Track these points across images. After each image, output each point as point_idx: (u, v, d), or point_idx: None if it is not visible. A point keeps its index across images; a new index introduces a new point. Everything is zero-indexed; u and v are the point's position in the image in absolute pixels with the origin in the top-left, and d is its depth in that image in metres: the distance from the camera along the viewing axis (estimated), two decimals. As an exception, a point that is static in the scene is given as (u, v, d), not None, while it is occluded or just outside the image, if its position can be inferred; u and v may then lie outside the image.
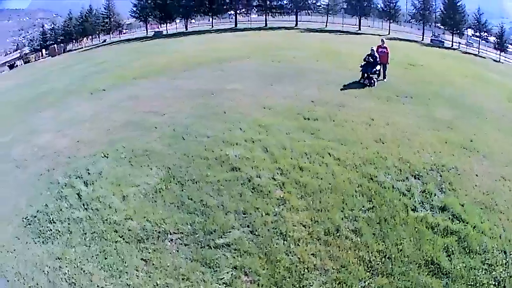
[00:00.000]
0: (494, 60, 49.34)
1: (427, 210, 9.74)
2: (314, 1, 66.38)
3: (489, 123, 15.62)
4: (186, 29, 66.81)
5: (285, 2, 67.43)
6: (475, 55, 50.48)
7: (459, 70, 28.53)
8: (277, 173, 10.94)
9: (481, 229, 9.12)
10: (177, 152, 12.20)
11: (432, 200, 10.08)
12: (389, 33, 58.07)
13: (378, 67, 19.36)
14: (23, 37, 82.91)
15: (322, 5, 65.86)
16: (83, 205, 10.28)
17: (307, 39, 41.73)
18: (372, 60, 19.05)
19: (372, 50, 19.43)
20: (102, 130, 14.57)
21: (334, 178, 10.70)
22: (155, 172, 11.26)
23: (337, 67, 22.79)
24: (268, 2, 66.57)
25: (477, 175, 11.18)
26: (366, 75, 19.01)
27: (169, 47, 38.09)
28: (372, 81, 18.96)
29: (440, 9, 59.19)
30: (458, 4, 56.86)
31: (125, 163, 11.92)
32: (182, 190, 10.41)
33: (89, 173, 11.57)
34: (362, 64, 19.23)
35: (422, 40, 56.45)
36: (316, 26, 60.15)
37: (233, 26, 64.46)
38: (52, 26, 73.28)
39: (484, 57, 49.77)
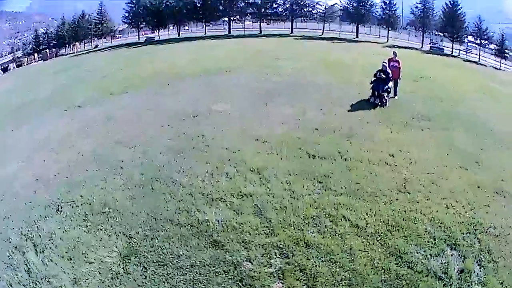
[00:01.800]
0: (495, 68, 48.05)
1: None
2: (310, 9, 64.55)
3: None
4: (179, 35, 65.28)
5: (280, 9, 65.74)
6: (476, 62, 48.95)
7: (467, 82, 26.26)
8: (275, 253, 7.78)
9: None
10: (142, 211, 9.11)
11: (471, 283, 7.34)
12: (387, 41, 56.28)
13: (390, 84, 16.54)
14: (19, 39, 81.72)
15: (318, 13, 64.05)
16: (32, 283, 7.54)
17: (304, 47, 39.47)
18: (384, 76, 16.18)
19: (384, 65, 16.46)
20: (64, 165, 11.77)
21: (353, 260, 7.60)
22: (113, 243, 8.22)
23: (341, 81, 20.06)
24: (262, 10, 64.79)
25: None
26: (377, 93, 16.14)
27: (158, 55, 35.88)
28: (384, 100, 16.14)
29: (440, 16, 57.32)
30: (458, 12, 55.05)
31: (80, 222, 8.95)
32: (145, 278, 7.33)
33: (40, 235, 8.72)
34: (373, 80, 16.38)
35: (422, 47, 54.66)
36: (312, 34, 58.35)
37: (227, 33, 62.54)
38: (46, 30, 72.25)
39: (485, 65, 48.13)
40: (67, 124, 15.61)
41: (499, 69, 48.64)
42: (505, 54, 51.68)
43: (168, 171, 10.62)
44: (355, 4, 60.39)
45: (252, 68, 23.40)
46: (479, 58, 51.56)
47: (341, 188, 9.60)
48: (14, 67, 60.11)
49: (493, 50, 54.16)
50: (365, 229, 8.34)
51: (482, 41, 53.94)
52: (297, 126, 13.43)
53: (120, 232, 8.52)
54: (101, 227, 8.71)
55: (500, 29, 53.39)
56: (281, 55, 29.07)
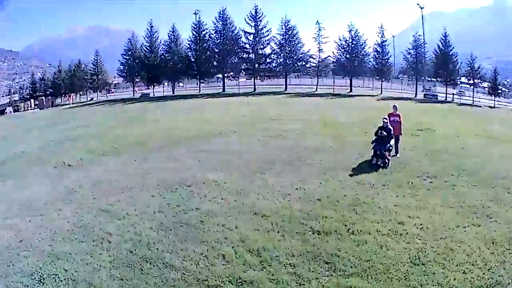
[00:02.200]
0: (490, 107, 48.33)
1: None
2: (303, 63, 65.91)
3: (505, 191, 13.39)
4: (173, 92, 66.76)
5: (273, 65, 67.19)
6: (470, 105, 49.43)
7: (468, 129, 26.72)
8: None
9: None
10: None
11: None
12: (381, 93, 57.19)
13: (392, 142, 16.38)
14: (16, 82, 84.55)
15: (311, 67, 65.31)
16: None
17: (299, 105, 40.43)
18: (385, 133, 16.01)
19: (385, 122, 16.33)
20: (48, 232, 11.14)
21: None
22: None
23: (340, 143, 20.15)
24: (256, 65, 66.19)
25: None
26: (379, 153, 15.89)
27: (152, 114, 36.66)
28: (387, 160, 15.91)
29: (433, 61, 58.44)
30: (450, 54, 56.27)
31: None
32: None
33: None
34: (374, 139, 16.22)
35: (416, 96, 55.39)
36: (306, 90, 59.66)
37: (221, 90, 63.65)
38: (43, 75, 74.42)
39: (480, 106, 48.50)
40: (52, 187, 15.23)
41: (494, 107, 49.07)
42: (498, 91, 52.49)
43: (160, 250, 9.88)
44: (348, 56, 61.51)
45: (248, 131, 23.64)
46: (473, 100, 52.26)
47: (351, 267, 8.95)
48: (11, 111, 63.40)
49: (486, 89, 55.06)
50: (381, 322, 7.63)
51: (475, 81, 54.76)
52: (297, 197, 12.96)
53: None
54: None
55: (492, 66, 54.71)
56: (277, 116, 29.62)
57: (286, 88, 62.85)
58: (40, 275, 8.97)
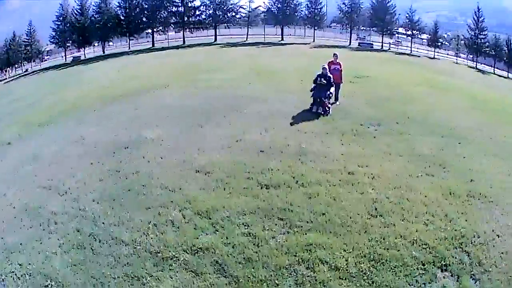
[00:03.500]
0: (429, 58, 50.15)
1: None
2: (233, 14, 65.22)
3: (471, 146, 13.66)
4: (104, 52, 65.35)
5: (203, 16, 66.08)
6: (408, 54, 51.07)
7: (409, 77, 27.50)
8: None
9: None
10: (87, 282, 7.60)
11: None
12: (314, 41, 57.59)
13: (332, 89, 16.20)
14: None
15: (241, 17, 64.73)
16: None
17: (230, 55, 39.78)
18: (325, 81, 15.75)
19: (324, 68, 16.05)
20: None
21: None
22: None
23: (277, 91, 19.75)
24: (186, 18, 64.92)
25: (498, 236, 8.65)
26: (319, 100, 15.69)
27: (84, 76, 35.49)
28: (327, 108, 15.81)
29: (370, 11, 59.36)
30: (388, 5, 57.30)
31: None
32: None
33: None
34: (313, 87, 15.95)
35: (350, 44, 56.24)
36: (237, 40, 58.99)
37: (151, 45, 62.27)
38: None
39: (419, 56, 50.07)
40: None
41: (433, 58, 50.99)
42: (438, 43, 54.53)
43: (106, 224, 9.16)
44: (279, 5, 61.40)
45: (180, 84, 22.87)
46: (411, 50, 53.92)
47: (307, 222, 8.69)
48: None
49: (424, 40, 57.05)
50: (347, 269, 7.52)
51: (414, 32, 56.38)
52: (239, 150, 12.50)
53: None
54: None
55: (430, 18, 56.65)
56: (209, 67, 28.95)
57: (215, 39, 62.06)
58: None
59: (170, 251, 8.07)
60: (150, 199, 9.97)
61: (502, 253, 8.15)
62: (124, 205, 9.84)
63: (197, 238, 8.36)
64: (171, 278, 7.54)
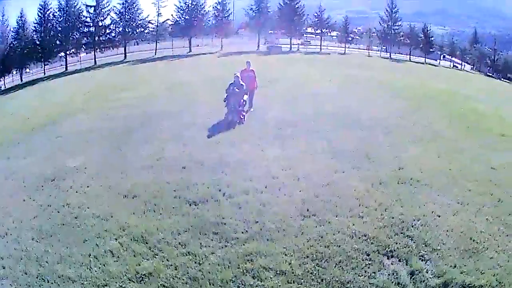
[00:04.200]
0: (340, 54, 52.14)
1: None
2: (142, 29, 64.94)
3: (394, 134, 14.50)
4: (21, 80, 62.12)
5: (113, 35, 65.39)
6: (318, 53, 52.69)
7: (318, 76, 28.69)
8: None
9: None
10: None
11: (428, 279, 7.35)
12: (221, 49, 57.92)
13: (245, 97, 16.41)
14: None
15: (150, 33, 64.64)
16: None
17: (140, 72, 39.87)
18: (238, 90, 15.97)
19: (237, 77, 16.32)
20: None
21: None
22: None
23: (189, 104, 19.79)
24: (96, 38, 63.86)
25: (439, 215, 9.19)
26: (233, 109, 15.89)
27: (6, 107, 33.44)
28: (241, 117, 16.05)
29: (278, 15, 60.55)
30: (296, 6, 58.77)
31: None
32: None
33: None
34: (226, 96, 16.14)
35: (258, 49, 57.05)
36: (145, 56, 58.80)
37: (64, 69, 60.88)
38: None
39: (329, 53, 51.85)
40: None
41: (344, 53, 53.15)
42: (349, 38, 56.91)
43: (50, 263, 8.49)
44: (187, 17, 61.73)
45: (96, 106, 22.48)
46: (320, 48, 55.75)
47: (242, 233, 8.60)
48: None
49: (334, 37, 59.23)
50: (292, 272, 7.48)
51: (323, 30, 58.23)
52: (161, 169, 12.18)
53: None
54: None
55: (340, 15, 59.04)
56: (121, 86, 28.56)
57: (125, 56, 61.29)
58: None
59: (116, 282, 7.71)
60: (85, 231, 9.45)
61: (447, 230, 8.58)
62: (62, 240, 9.24)
63: (139, 265, 8.04)
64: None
